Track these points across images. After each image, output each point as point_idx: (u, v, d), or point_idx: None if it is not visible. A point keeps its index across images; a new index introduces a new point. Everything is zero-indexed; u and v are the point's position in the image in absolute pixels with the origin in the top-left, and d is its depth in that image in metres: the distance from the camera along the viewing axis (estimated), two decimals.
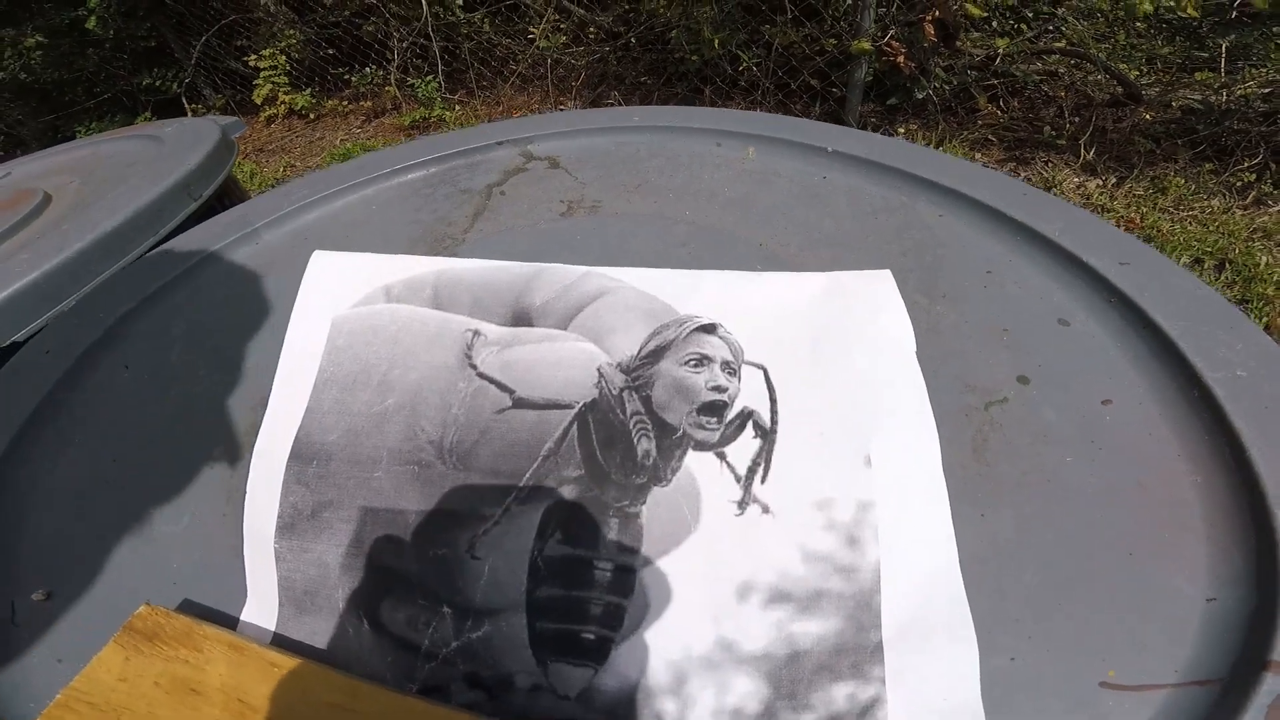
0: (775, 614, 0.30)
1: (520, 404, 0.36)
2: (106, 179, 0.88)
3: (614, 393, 0.36)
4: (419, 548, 0.33)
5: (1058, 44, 2.09)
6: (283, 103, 2.90)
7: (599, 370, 0.37)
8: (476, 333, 0.40)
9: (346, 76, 2.94)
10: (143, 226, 0.73)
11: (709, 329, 0.40)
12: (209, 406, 0.44)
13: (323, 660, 0.31)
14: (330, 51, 2.90)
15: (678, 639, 0.30)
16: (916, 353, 0.39)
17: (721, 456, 0.35)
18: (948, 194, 0.51)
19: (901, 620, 0.30)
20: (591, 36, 2.53)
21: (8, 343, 0.60)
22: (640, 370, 0.37)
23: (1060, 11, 2.01)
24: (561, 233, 0.53)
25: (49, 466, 0.42)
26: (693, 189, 0.56)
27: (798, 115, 0.67)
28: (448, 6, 2.56)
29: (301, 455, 0.37)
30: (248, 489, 0.37)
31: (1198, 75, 2.00)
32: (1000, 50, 1.92)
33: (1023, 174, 1.84)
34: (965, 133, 2.01)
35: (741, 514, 0.33)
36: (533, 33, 2.55)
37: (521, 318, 0.41)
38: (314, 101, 2.94)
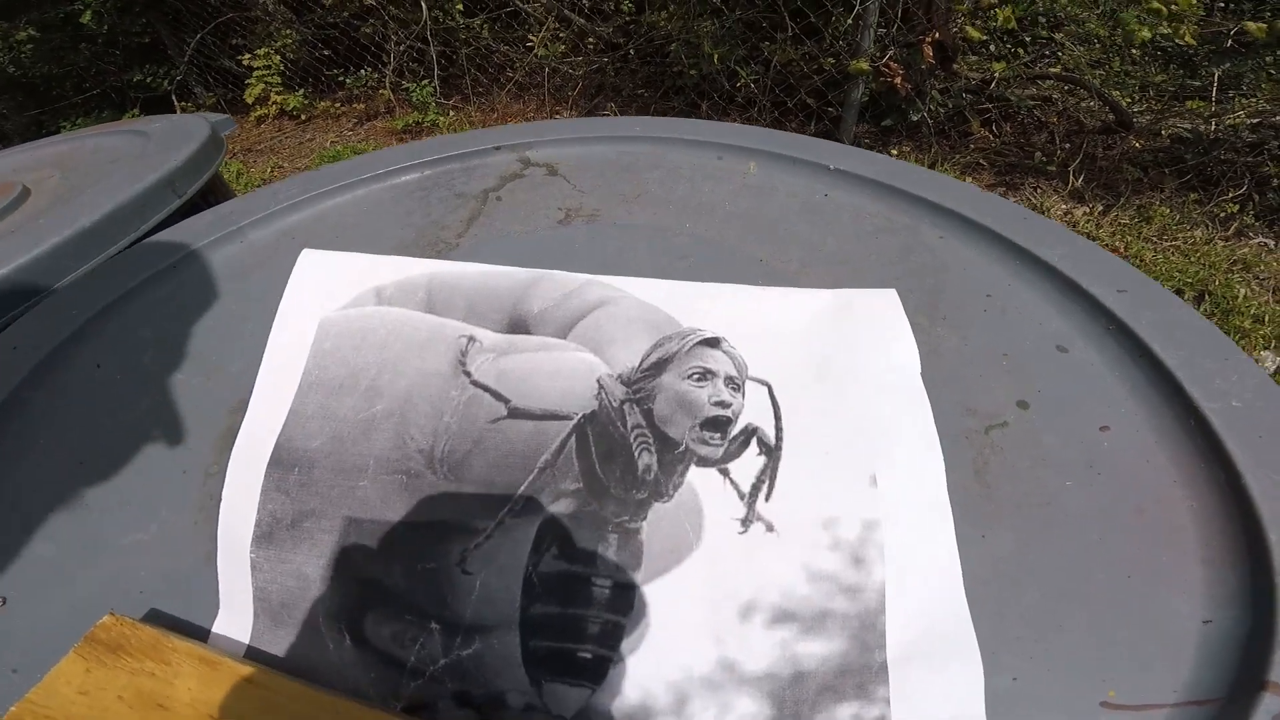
0: (779, 634, 0.30)
1: (516, 414, 0.35)
2: (88, 173, 0.86)
3: (614, 405, 0.35)
4: (406, 561, 0.32)
5: (1053, 69, 2.12)
6: (274, 103, 2.88)
7: (599, 381, 0.36)
8: (471, 339, 0.39)
9: (341, 78, 2.93)
10: (123, 222, 0.71)
11: (713, 343, 0.39)
12: (184, 409, 0.42)
13: (300, 676, 0.30)
14: (326, 52, 2.89)
15: (678, 659, 0.29)
16: (920, 374, 0.39)
17: (725, 473, 0.34)
18: (950, 216, 0.51)
19: (906, 640, 0.29)
20: (591, 47, 2.54)
21: None
22: (642, 383, 0.36)
23: (1058, 37, 2.04)
24: (559, 240, 0.52)
25: (9, 467, 0.40)
26: (693, 201, 0.56)
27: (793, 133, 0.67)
28: (448, 11, 2.56)
29: (282, 462, 0.35)
30: (224, 495, 0.35)
31: (1189, 104, 2.04)
32: (996, 74, 1.95)
33: (1012, 199, 1.86)
34: (957, 156, 2.03)
35: (745, 532, 0.32)
36: (532, 40, 2.55)
37: (518, 325, 0.40)
38: (306, 102, 2.92)
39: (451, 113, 2.74)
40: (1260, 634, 0.28)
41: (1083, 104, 2.13)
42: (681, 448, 0.35)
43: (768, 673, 0.29)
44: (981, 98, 2.05)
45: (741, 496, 0.33)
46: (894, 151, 2.06)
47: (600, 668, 0.29)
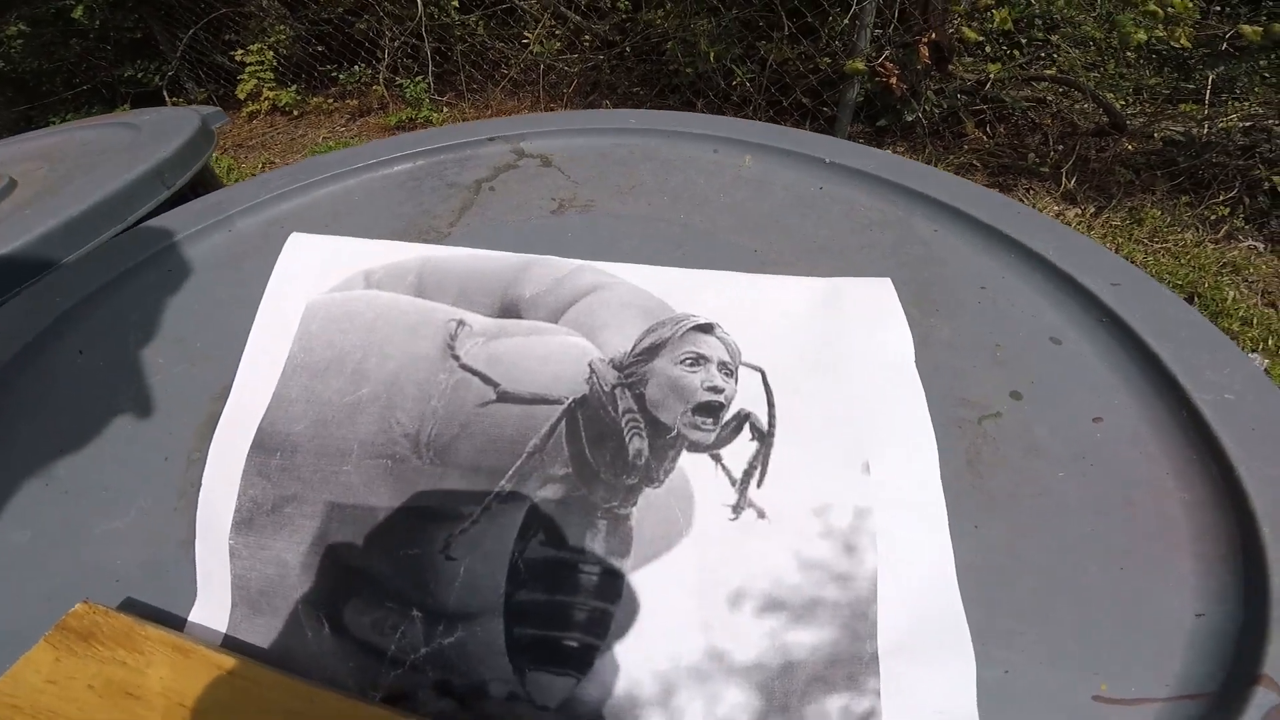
0: (768, 623, 0.29)
1: (505, 398, 0.34)
2: (77, 165, 0.84)
3: (605, 389, 0.34)
4: (389, 547, 0.31)
5: (1048, 71, 2.13)
6: (266, 99, 2.86)
7: (590, 365, 0.36)
8: (461, 323, 0.38)
9: (334, 74, 2.91)
10: (111, 213, 0.69)
11: (706, 328, 0.38)
12: (167, 395, 0.41)
13: (277, 665, 0.29)
14: (319, 48, 2.87)
15: (666, 648, 0.29)
16: (914, 362, 0.39)
17: (717, 459, 0.33)
18: (943, 209, 0.51)
19: (898, 630, 0.29)
20: (587, 44, 2.54)
21: None
22: (634, 367, 0.36)
23: (1054, 39, 2.05)
24: (552, 229, 0.52)
25: None
26: (687, 193, 0.55)
27: None
28: (443, 7, 2.55)
29: (265, 446, 0.35)
30: (204, 481, 0.35)
31: (1182, 106, 2.05)
32: (991, 75, 1.95)
33: None
34: (951, 157, 2.04)
35: (736, 518, 0.32)
36: (527, 38, 2.54)
37: (509, 310, 0.39)
38: (299, 98, 2.90)
39: (445, 109, 2.73)
40: (1253, 628, 0.28)
41: (1076, 106, 2.14)
42: (673, 433, 0.34)
43: (757, 663, 0.28)
44: (976, 99, 2.06)
45: (733, 483, 0.33)
46: (888, 151, 2.07)
47: (586, 656, 0.29)
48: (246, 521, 0.33)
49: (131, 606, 0.32)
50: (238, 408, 0.37)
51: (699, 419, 0.34)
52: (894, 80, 1.80)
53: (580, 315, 0.39)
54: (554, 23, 2.53)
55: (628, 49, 2.39)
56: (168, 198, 0.77)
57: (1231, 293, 1.53)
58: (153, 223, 0.57)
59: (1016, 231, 0.48)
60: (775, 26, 2.01)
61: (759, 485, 0.33)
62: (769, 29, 2.04)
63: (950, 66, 1.89)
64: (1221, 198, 1.78)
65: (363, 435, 0.34)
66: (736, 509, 0.32)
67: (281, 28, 2.80)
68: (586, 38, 2.52)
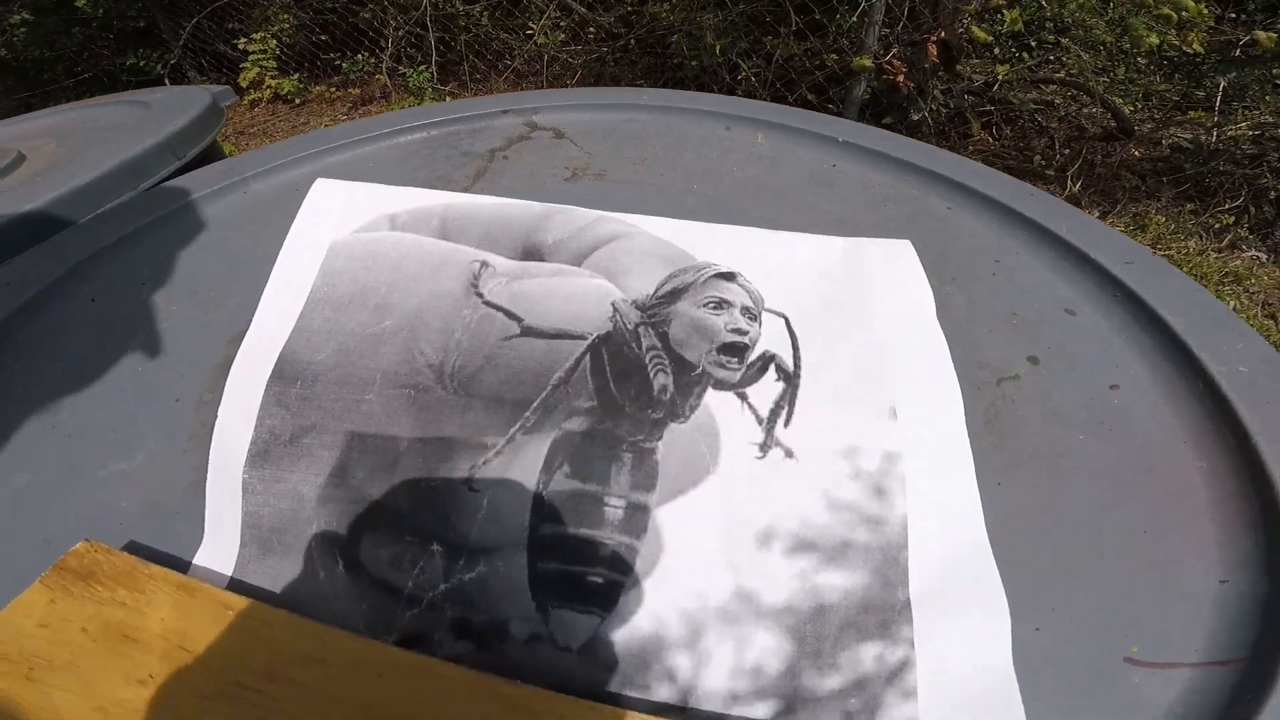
0: (799, 563, 0.29)
1: (529, 332, 0.34)
2: (87, 140, 0.83)
3: (629, 327, 0.34)
4: (410, 478, 0.30)
5: (1057, 74, 2.13)
6: (269, 87, 2.85)
7: (613, 305, 0.35)
8: (484, 264, 0.38)
9: (337, 62, 2.90)
10: (121, 182, 0.69)
11: (728, 276, 0.38)
12: (179, 341, 0.41)
13: (287, 609, 0.28)
14: (323, 37, 2.86)
15: (693, 587, 0.28)
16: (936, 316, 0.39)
17: (743, 397, 0.33)
18: (958, 188, 0.51)
19: (929, 579, 0.28)
20: (591, 36, 2.53)
21: None
22: (656, 308, 0.35)
23: (1064, 42, 2.05)
24: (566, 194, 0.52)
25: None
26: (700, 167, 0.55)
27: None
28: None
29: (284, 375, 0.34)
30: (219, 413, 0.34)
31: (1191, 114, 2.05)
32: (1000, 76, 1.95)
33: None
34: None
35: (763, 457, 0.31)
36: (532, 28, 2.54)
37: (532, 254, 0.39)
38: (301, 87, 2.89)
39: (448, 99, 2.73)
40: (1278, 596, 0.28)
41: (1084, 110, 2.14)
42: (698, 370, 0.34)
43: (787, 605, 0.28)
44: (983, 100, 2.06)
45: (760, 421, 0.32)
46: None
47: (611, 593, 0.28)
48: (262, 453, 0.32)
49: (134, 551, 0.32)
50: (257, 340, 0.36)
51: (724, 358, 0.34)
52: (901, 78, 1.80)
53: (602, 260, 0.38)
54: (559, 14, 2.53)
55: (632, 41, 2.38)
56: (178, 169, 0.77)
57: (1233, 303, 1.53)
58: (166, 185, 0.57)
59: (1030, 210, 0.48)
60: (782, 21, 2.01)
61: (786, 425, 0.32)
62: (776, 24, 2.04)
63: (959, 66, 1.89)
64: (1227, 206, 1.78)
65: (386, 365, 0.34)
66: (764, 447, 0.32)
67: (285, 16, 2.79)
68: (591, 30, 2.52)
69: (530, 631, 0.28)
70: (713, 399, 0.33)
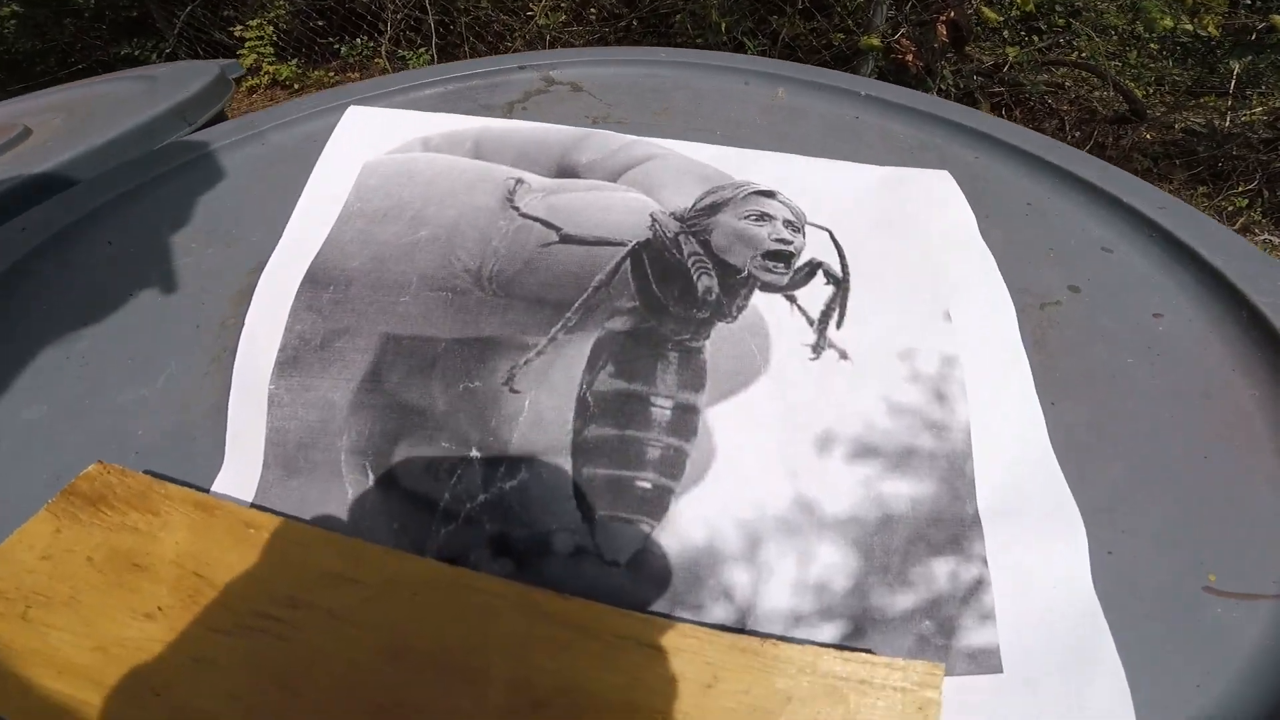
0: (861, 470, 0.27)
1: (568, 239, 0.33)
2: (94, 113, 0.82)
3: (669, 235, 0.33)
4: (448, 380, 0.29)
5: (1069, 57, 2.11)
6: (266, 73, 2.83)
7: (652, 215, 0.34)
8: (520, 180, 0.37)
9: (335, 46, 2.88)
10: (133, 145, 0.68)
11: (768, 194, 0.37)
12: (200, 272, 0.40)
13: None
14: (320, 22, 2.84)
15: (749, 495, 0.26)
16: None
17: (792, 299, 0.31)
18: (984, 139, 0.51)
19: (997, 492, 0.27)
20: (593, 16, 2.52)
21: None
22: (697, 220, 0.34)
23: (1075, 25, 2.03)
24: None
25: (7, 330, 0.38)
26: (721, 117, 0.55)
27: None
28: None
29: (317, 280, 0.32)
30: (245, 323, 0.32)
31: (1204, 99, 2.02)
32: (1010, 58, 1.94)
33: None
34: None
35: (817, 358, 0.30)
36: (533, 9, 2.52)
37: (567, 173, 0.38)
38: (299, 72, 2.87)
39: None
40: None
41: (1096, 93, 2.12)
42: (744, 273, 0.32)
43: (851, 515, 0.26)
44: (993, 81, 2.04)
45: (811, 322, 0.31)
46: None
47: (661, 500, 0.26)
48: (291, 361, 0.30)
49: None
50: (286, 252, 0.35)
51: (769, 263, 0.33)
52: (910, 58, 1.78)
53: (638, 177, 0.37)
54: None
55: (634, 22, 2.36)
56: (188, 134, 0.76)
57: None
58: (183, 139, 0.56)
59: (1059, 159, 0.48)
60: (789, 0, 1.99)
61: (839, 327, 0.31)
62: (782, 2, 2.02)
63: (968, 47, 1.87)
64: (1240, 189, 1.77)
65: (422, 269, 0.32)
66: (816, 349, 0.30)
67: (281, 1, 2.77)
68: (593, 10, 2.50)
69: (575, 544, 0.26)
70: (760, 300, 0.32)
